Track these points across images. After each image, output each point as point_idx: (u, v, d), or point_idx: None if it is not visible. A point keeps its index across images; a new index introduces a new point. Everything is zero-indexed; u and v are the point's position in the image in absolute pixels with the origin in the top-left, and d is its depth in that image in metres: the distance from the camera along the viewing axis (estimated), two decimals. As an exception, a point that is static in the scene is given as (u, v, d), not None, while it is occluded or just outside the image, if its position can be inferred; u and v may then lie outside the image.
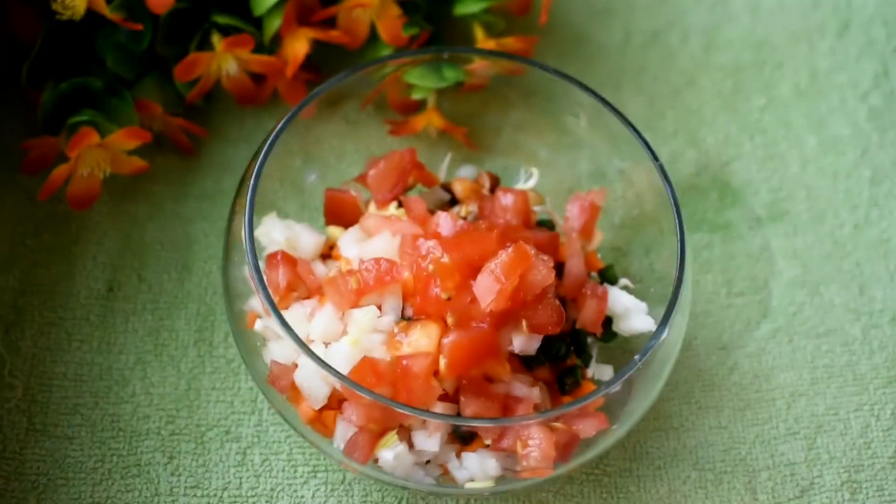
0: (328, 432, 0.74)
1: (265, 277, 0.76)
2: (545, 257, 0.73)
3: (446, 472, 0.74)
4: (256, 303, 0.75)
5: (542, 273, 0.72)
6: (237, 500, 0.79)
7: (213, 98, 0.96)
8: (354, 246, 0.77)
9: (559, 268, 0.79)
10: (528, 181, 0.87)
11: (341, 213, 0.82)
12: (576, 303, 0.79)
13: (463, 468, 0.74)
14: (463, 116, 0.94)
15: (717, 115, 0.99)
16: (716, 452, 0.83)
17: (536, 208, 0.84)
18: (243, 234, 0.74)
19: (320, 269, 0.78)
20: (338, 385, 0.71)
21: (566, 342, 0.77)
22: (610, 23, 1.03)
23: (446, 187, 0.85)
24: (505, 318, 0.73)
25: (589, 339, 0.80)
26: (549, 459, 0.71)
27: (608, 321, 0.80)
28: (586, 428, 0.72)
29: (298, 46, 0.88)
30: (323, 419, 0.74)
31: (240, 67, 0.89)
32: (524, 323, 0.73)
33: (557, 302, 0.74)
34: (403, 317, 0.74)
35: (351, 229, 0.79)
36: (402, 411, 0.69)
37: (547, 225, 0.84)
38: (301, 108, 0.80)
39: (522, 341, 0.73)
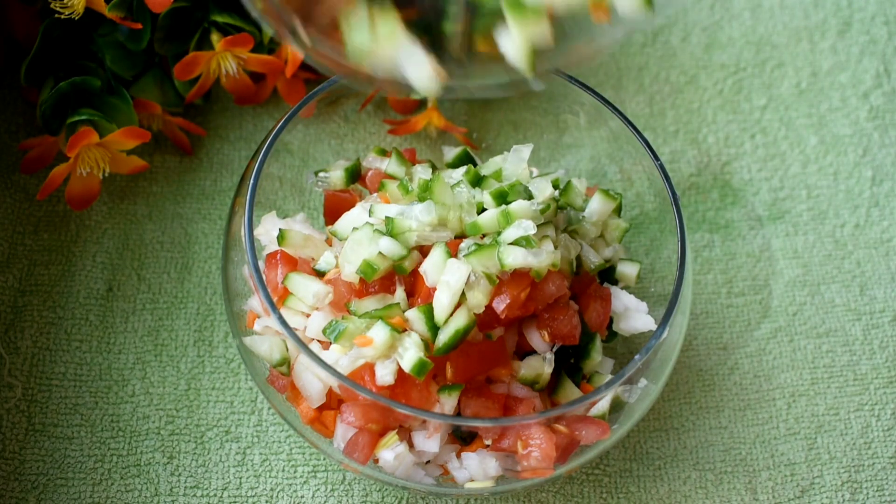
0: (328, 432, 0.74)
1: (265, 277, 0.76)
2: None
3: (446, 472, 0.74)
4: (256, 303, 0.75)
5: (557, 283, 0.72)
6: (237, 500, 0.79)
7: (212, 97, 0.96)
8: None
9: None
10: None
11: (341, 213, 0.82)
12: (578, 302, 0.79)
13: (463, 468, 0.73)
14: (463, 116, 0.94)
15: (717, 115, 0.99)
16: (716, 452, 0.83)
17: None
18: (243, 233, 0.74)
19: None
20: (335, 385, 0.71)
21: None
22: (610, 21, 1.03)
23: None
24: (517, 322, 0.74)
25: (589, 340, 0.80)
26: (550, 459, 0.70)
27: (608, 321, 0.79)
28: (588, 434, 0.72)
29: (298, 45, 0.88)
30: (323, 419, 0.74)
31: (239, 66, 0.88)
32: (545, 332, 0.73)
33: (577, 318, 0.74)
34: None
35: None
36: (402, 411, 0.69)
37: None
38: (301, 108, 0.79)
39: (541, 348, 0.74)
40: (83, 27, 0.88)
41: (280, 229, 0.77)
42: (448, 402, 0.72)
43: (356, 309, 0.73)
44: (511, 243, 0.71)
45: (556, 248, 0.73)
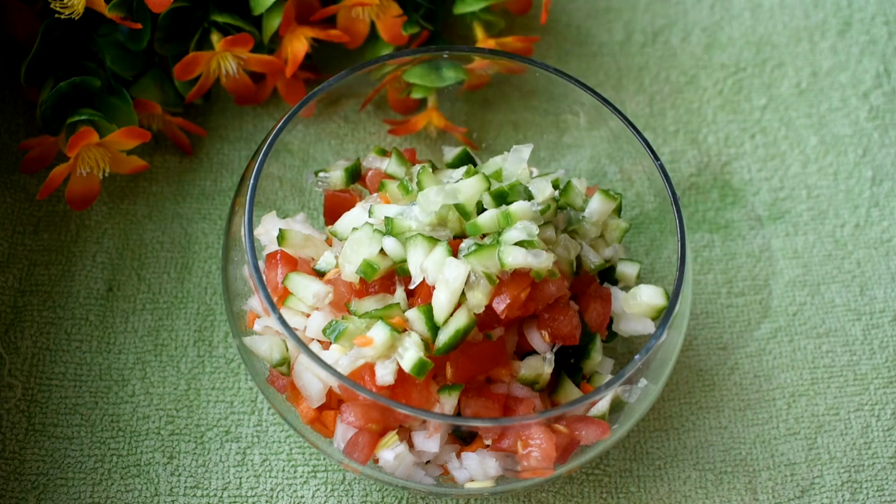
0: (328, 432, 0.74)
1: (264, 277, 0.76)
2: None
3: (446, 472, 0.74)
4: (256, 303, 0.75)
5: (557, 283, 0.72)
6: (237, 500, 0.79)
7: (212, 97, 0.96)
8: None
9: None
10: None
11: (341, 213, 0.82)
12: (578, 302, 0.79)
13: (463, 468, 0.73)
14: (463, 116, 0.94)
15: (717, 115, 0.99)
16: (716, 452, 0.83)
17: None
18: (243, 233, 0.74)
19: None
20: (335, 385, 0.71)
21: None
22: (610, 21, 1.03)
23: None
24: (517, 322, 0.74)
25: (589, 340, 0.80)
26: (550, 460, 0.70)
27: (608, 321, 0.79)
28: (588, 435, 0.72)
29: (298, 45, 0.88)
30: (323, 419, 0.74)
31: (239, 67, 0.88)
32: (546, 333, 0.73)
33: (578, 318, 0.74)
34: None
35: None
36: (402, 411, 0.69)
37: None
38: (301, 108, 0.79)
39: (541, 348, 0.74)
40: (83, 27, 0.88)
41: (280, 229, 0.77)
42: (448, 402, 0.72)
43: (356, 309, 0.73)
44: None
45: (555, 248, 0.73)
